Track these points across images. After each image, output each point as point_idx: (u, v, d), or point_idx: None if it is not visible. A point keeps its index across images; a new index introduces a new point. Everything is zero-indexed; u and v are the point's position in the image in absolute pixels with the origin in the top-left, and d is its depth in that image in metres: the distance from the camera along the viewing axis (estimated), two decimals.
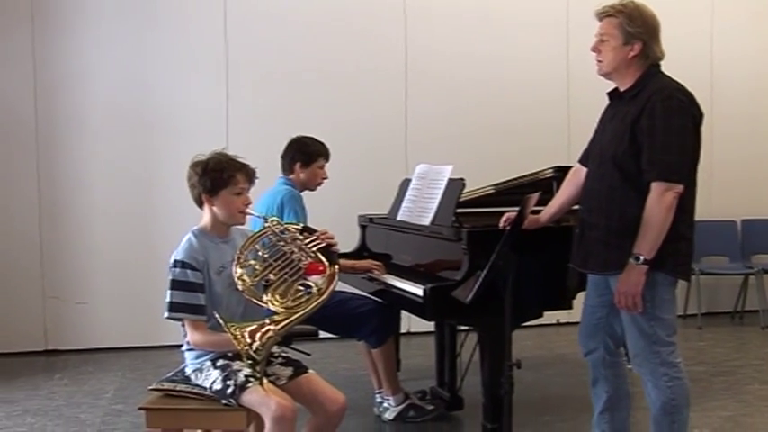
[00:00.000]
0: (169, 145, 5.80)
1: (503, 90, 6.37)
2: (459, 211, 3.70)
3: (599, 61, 2.93)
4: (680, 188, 2.75)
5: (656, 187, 2.74)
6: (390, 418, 4.09)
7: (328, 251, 2.80)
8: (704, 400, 4.29)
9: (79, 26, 5.78)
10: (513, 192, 3.93)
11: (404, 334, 5.23)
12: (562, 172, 3.47)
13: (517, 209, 2.96)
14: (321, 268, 2.76)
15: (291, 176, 4.07)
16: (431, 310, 3.25)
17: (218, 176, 2.84)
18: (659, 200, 2.73)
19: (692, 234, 2.88)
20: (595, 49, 2.94)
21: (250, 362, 2.47)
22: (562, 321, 6.14)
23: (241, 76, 5.98)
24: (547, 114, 6.40)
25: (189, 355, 2.91)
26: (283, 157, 4.10)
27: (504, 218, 3.29)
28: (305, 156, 4.06)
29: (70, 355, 5.71)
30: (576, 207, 3.18)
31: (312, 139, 4.12)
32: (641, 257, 2.75)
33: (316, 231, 2.86)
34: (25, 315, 5.75)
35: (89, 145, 5.80)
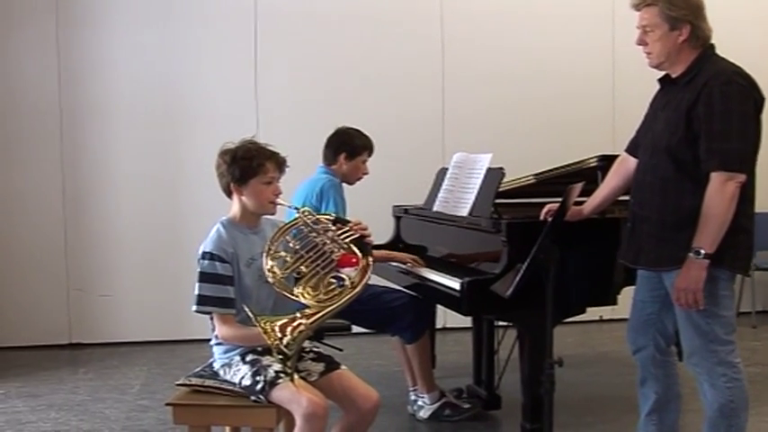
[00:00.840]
0: (197, 134, 5.85)
1: (544, 82, 6.29)
2: (499, 201, 3.69)
3: (648, 53, 2.89)
4: (742, 177, 2.71)
5: (716, 177, 2.70)
6: (425, 416, 4.11)
7: (362, 242, 2.82)
8: (759, 404, 4.23)
9: (103, 12, 5.83)
10: (555, 182, 3.91)
11: (439, 329, 5.23)
12: (607, 161, 3.44)
13: (559, 200, 2.95)
14: (354, 260, 2.77)
15: (333, 167, 4.11)
16: (468, 305, 3.25)
17: (247, 165, 2.86)
18: (720, 190, 2.69)
19: (753, 226, 2.84)
20: (641, 41, 2.89)
21: (280, 357, 2.50)
22: (605, 318, 6.10)
23: (271, 65, 5.99)
24: (590, 107, 6.31)
25: (217, 350, 2.94)
26: (327, 146, 4.14)
27: (545, 209, 3.28)
28: (351, 148, 4.11)
29: (95, 349, 5.80)
30: (623, 198, 3.16)
31: (358, 131, 4.18)
32: (702, 251, 2.71)
33: (349, 222, 2.88)
34: (49, 308, 5.85)
35: (114, 134, 5.88)
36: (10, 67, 5.78)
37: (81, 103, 5.84)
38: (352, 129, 4.18)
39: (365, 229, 2.86)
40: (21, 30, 5.78)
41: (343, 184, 4.11)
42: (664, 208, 2.84)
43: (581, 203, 3.26)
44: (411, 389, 4.21)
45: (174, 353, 5.64)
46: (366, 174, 4.20)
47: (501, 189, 3.73)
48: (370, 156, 4.18)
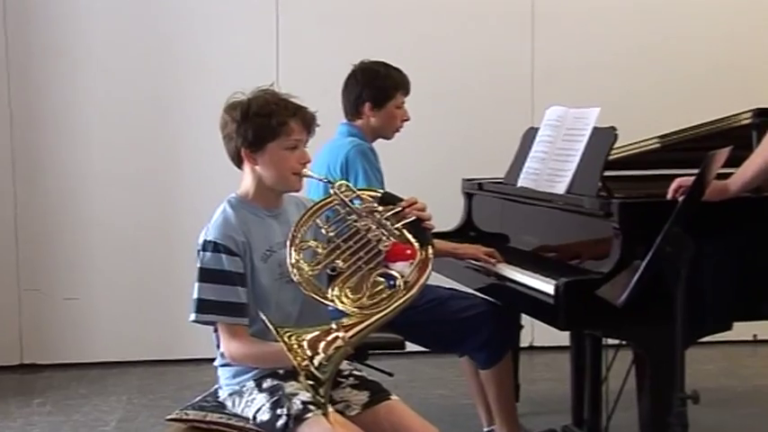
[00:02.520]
0: (198, 83, 5.89)
1: (671, 12, 6.25)
2: (609, 174, 3.70)
3: None
4: None
5: None
6: None
7: (419, 228, 2.84)
8: None
9: None
10: (688, 147, 3.90)
11: (525, 349, 5.26)
12: (766, 117, 3.43)
13: (695, 171, 2.94)
14: (409, 252, 2.79)
15: (358, 122, 4.11)
16: (566, 316, 3.27)
17: (264, 124, 2.89)
18: None
19: None
20: None
21: (310, 383, 2.53)
22: (760, 338, 6.07)
23: None
24: (740, 42, 6.26)
25: (224, 373, 3.01)
26: (345, 95, 4.14)
27: (675, 184, 3.28)
28: (377, 92, 4.08)
29: (55, 372, 5.90)
30: None
31: (384, 65, 4.14)
32: None
33: (401, 201, 2.90)
34: None
35: (83, 85, 5.94)
36: None
37: (35, 41, 5.89)
38: (374, 64, 4.14)
39: (423, 210, 2.88)
40: None
41: (380, 140, 4.13)
42: None
43: (726, 177, 3.26)
44: (486, 429, 4.25)
45: (163, 377, 5.75)
46: (407, 120, 4.16)
47: (612, 157, 3.73)
48: (406, 95, 4.13)
